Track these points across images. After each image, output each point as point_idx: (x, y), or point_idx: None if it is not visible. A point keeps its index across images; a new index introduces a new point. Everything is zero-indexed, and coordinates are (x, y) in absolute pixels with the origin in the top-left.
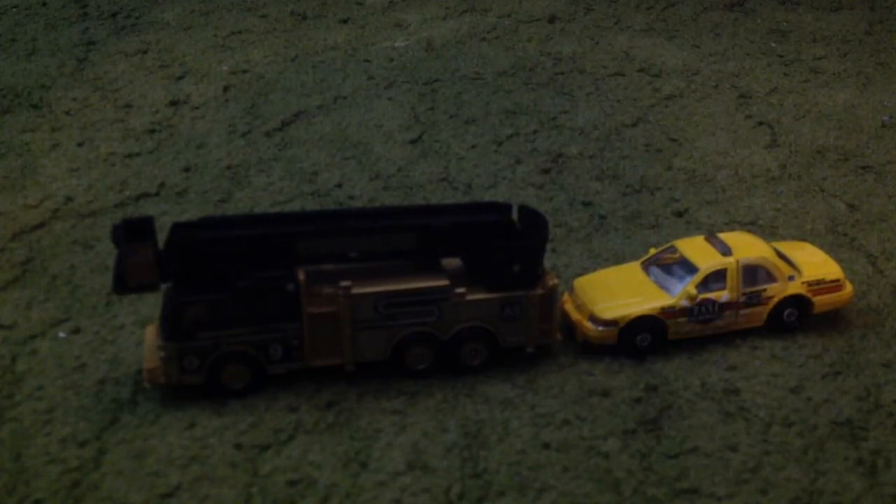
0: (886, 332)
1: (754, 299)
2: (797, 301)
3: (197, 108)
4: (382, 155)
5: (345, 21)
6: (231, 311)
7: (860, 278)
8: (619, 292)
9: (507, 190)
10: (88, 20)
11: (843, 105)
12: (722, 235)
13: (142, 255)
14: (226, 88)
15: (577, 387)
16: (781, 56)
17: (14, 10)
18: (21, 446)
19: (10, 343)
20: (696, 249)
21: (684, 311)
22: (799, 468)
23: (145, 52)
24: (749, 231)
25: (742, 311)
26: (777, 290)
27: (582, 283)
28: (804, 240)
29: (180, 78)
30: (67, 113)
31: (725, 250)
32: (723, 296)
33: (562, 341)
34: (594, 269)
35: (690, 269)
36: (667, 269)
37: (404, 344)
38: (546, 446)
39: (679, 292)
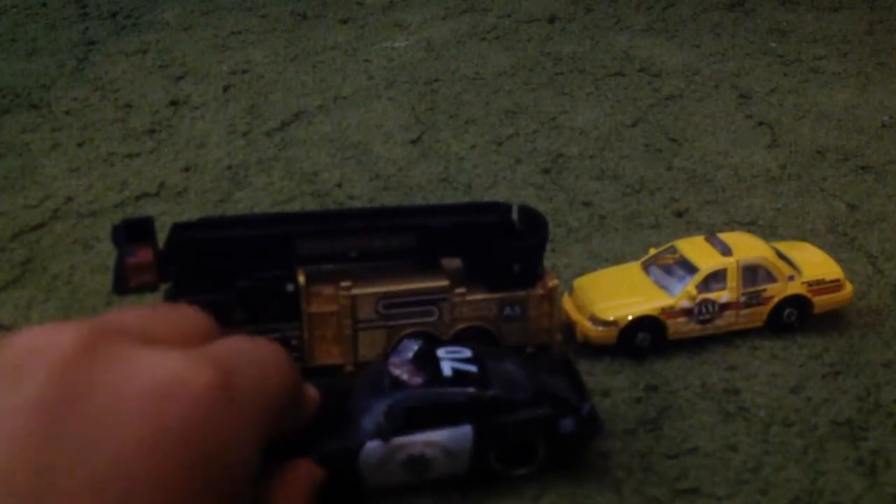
0: (886, 332)
1: (754, 299)
2: (797, 301)
3: (197, 107)
4: (382, 155)
5: (345, 21)
6: (231, 311)
7: (860, 278)
8: (620, 292)
9: (507, 190)
10: (88, 20)
11: (843, 105)
12: (722, 235)
13: (142, 255)
14: (226, 88)
15: None
16: (781, 56)
17: (14, 9)
18: None
19: None
20: (696, 249)
21: (684, 311)
22: (799, 468)
23: (145, 52)
24: (749, 231)
25: (742, 311)
26: (777, 290)
27: (582, 283)
28: (804, 240)
29: (180, 78)
30: (67, 113)
31: (725, 250)
32: (723, 296)
33: (561, 342)
34: (594, 269)
35: (690, 269)
36: (667, 269)
37: None
38: None
39: (679, 292)
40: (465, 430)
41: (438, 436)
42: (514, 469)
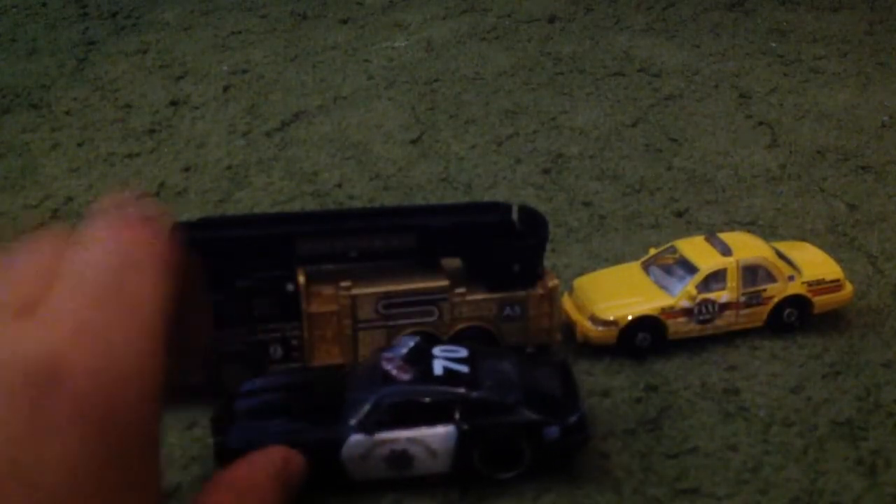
0: (886, 332)
1: (754, 299)
2: (797, 301)
3: (197, 107)
4: (382, 155)
5: (345, 21)
6: (230, 311)
7: (860, 278)
8: (620, 292)
9: (507, 190)
10: (88, 20)
11: (843, 105)
12: (722, 235)
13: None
14: (226, 88)
15: None
16: (781, 56)
17: (14, 9)
18: None
19: None
20: (696, 249)
21: (684, 311)
22: (799, 468)
23: (145, 52)
24: (749, 231)
25: (742, 311)
26: (777, 290)
27: (582, 283)
28: (804, 240)
29: (180, 78)
30: (67, 113)
31: (725, 250)
32: (723, 296)
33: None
34: (594, 269)
35: (690, 269)
36: (667, 269)
37: None
38: None
39: (679, 292)
40: (450, 430)
41: (422, 433)
42: (498, 472)
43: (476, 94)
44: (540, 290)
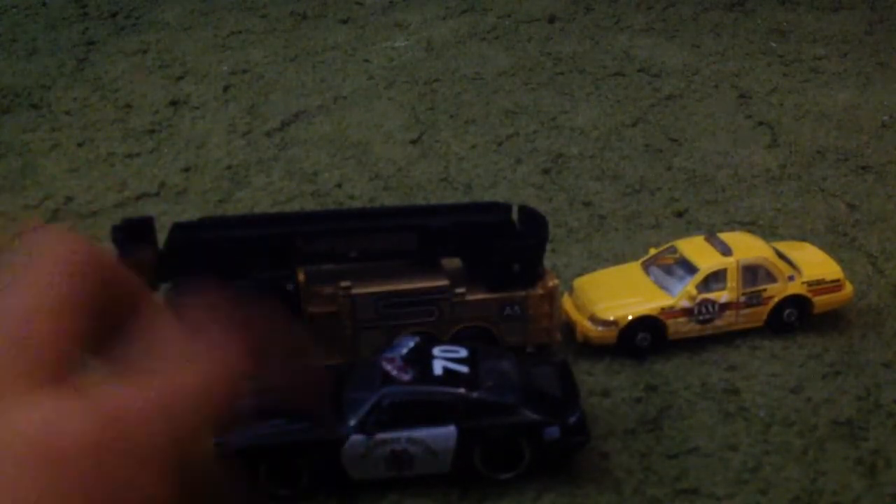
0: (886, 332)
1: (754, 299)
2: (797, 301)
3: (197, 108)
4: (382, 155)
5: (345, 21)
6: None
7: (860, 278)
8: (620, 292)
9: (507, 190)
10: (88, 20)
11: (843, 105)
12: (722, 235)
13: (142, 255)
14: (226, 88)
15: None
16: (781, 56)
17: (14, 9)
18: None
19: None
20: (696, 249)
21: (684, 312)
22: (799, 468)
23: (145, 51)
24: (749, 231)
25: (742, 311)
26: (777, 290)
27: (582, 283)
28: (804, 240)
29: (180, 78)
30: (67, 113)
31: (725, 250)
32: (723, 296)
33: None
34: (594, 269)
35: (690, 269)
36: (667, 269)
37: None
38: None
39: (679, 292)
40: (450, 430)
41: (422, 434)
42: (498, 472)
43: (476, 94)
44: (540, 290)
